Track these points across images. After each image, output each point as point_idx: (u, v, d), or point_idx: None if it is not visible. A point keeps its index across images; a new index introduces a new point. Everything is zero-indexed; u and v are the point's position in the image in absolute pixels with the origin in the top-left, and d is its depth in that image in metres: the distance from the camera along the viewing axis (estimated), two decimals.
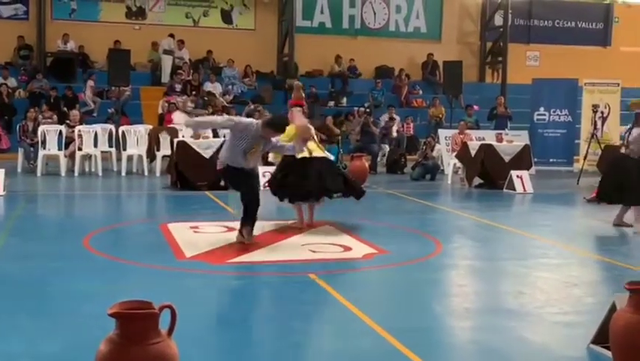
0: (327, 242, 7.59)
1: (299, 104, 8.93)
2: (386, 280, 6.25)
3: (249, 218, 7.32)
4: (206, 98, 18.01)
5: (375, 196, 11.53)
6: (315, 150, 8.32)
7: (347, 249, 7.30)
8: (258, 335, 4.68)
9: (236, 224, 8.49)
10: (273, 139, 7.34)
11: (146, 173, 13.82)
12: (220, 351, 4.27)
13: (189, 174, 11.96)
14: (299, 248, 7.27)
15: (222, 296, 5.62)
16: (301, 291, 5.94)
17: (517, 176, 12.64)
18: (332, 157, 8.71)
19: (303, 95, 9.39)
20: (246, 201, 7.30)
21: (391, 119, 17.23)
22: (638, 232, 8.61)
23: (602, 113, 16.40)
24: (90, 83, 18.36)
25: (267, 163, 14.07)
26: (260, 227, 8.31)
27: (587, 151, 14.89)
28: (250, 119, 7.53)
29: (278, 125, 7.20)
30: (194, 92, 18.28)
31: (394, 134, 16.90)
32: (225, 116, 7.61)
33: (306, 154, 8.13)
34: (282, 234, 8.06)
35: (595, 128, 15.26)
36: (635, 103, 10.21)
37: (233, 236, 7.80)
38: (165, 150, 13.59)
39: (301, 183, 8.18)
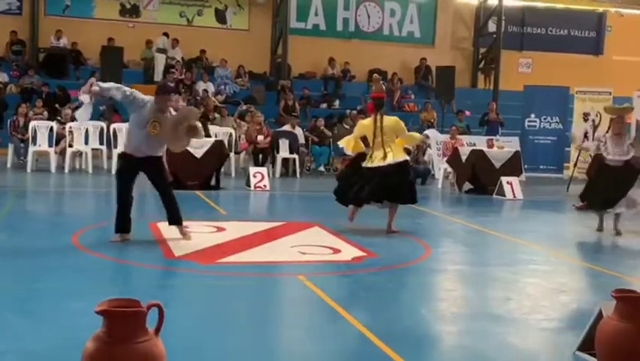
0: (317, 244, 7.60)
1: (381, 97, 8.77)
2: (374, 283, 6.26)
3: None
4: (198, 98, 17.98)
5: None
6: (378, 159, 8.29)
7: (336, 251, 7.31)
8: (245, 335, 4.68)
9: (226, 224, 8.52)
10: (168, 114, 7.10)
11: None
12: (207, 351, 4.27)
13: (180, 173, 11.93)
14: (288, 249, 7.28)
15: (210, 296, 5.62)
16: (290, 292, 5.95)
17: (507, 182, 12.69)
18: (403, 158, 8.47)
19: (384, 87, 9.30)
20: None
21: None
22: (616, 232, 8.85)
23: (594, 121, 16.49)
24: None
25: (256, 164, 14.10)
26: (248, 228, 8.33)
27: (578, 159, 14.96)
28: (149, 96, 7.30)
29: (162, 86, 7.41)
30: (183, 90, 18.21)
31: None
32: (127, 88, 7.40)
33: (368, 163, 8.31)
34: (271, 235, 8.06)
35: (586, 136, 15.31)
36: (609, 108, 10.22)
37: (223, 236, 7.81)
38: None
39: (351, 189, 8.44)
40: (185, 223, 7.57)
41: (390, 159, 8.27)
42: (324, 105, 20.21)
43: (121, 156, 7.57)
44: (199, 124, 7.46)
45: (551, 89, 18.00)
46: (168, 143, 7.36)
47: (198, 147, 12.02)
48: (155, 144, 7.17)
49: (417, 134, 9.32)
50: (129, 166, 7.26)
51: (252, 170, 12.78)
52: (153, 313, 3.14)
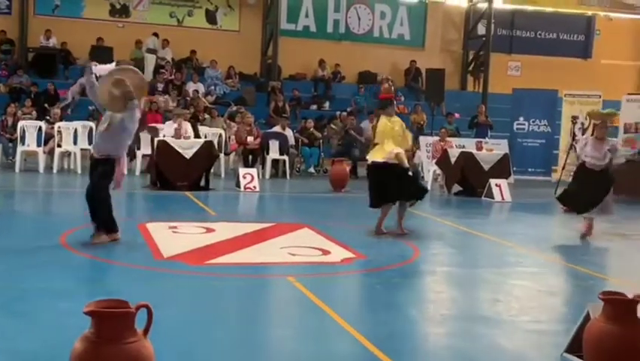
0: (306, 245, 7.60)
1: (383, 98, 8.90)
2: (364, 285, 6.27)
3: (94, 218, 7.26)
4: (189, 98, 17.93)
5: (355, 201, 11.55)
6: (373, 155, 8.42)
7: (325, 252, 7.32)
8: (234, 336, 4.68)
9: (215, 225, 8.51)
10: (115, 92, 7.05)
11: (125, 172, 13.72)
12: (196, 352, 4.27)
13: (169, 174, 11.92)
14: (278, 251, 7.28)
15: (199, 297, 5.61)
16: (279, 293, 5.95)
17: (496, 184, 12.74)
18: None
19: (392, 88, 9.37)
20: None
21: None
22: (585, 234, 8.80)
23: (582, 124, 16.57)
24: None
25: (246, 165, 14.08)
26: (238, 229, 8.33)
27: (566, 162, 15.04)
28: None
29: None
30: (173, 90, 18.12)
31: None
32: None
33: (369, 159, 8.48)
34: (261, 236, 8.05)
35: (574, 139, 15.41)
36: (594, 114, 10.23)
37: (212, 237, 7.80)
38: (145, 149, 13.53)
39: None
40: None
41: (370, 159, 8.47)
42: (314, 107, 20.21)
43: (89, 157, 7.63)
44: (123, 78, 7.18)
45: (540, 92, 18.08)
46: (107, 106, 7.27)
47: (188, 147, 12.02)
48: (108, 142, 7.14)
49: (387, 150, 8.48)
50: (91, 166, 7.36)
51: (242, 171, 12.77)
52: (142, 314, 3.14)
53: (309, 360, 4.28)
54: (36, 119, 14.72)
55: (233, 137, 15.35)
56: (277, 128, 15.69)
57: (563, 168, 14.92)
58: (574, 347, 4.26)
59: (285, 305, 5.59)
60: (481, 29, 22.86)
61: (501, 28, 23.62)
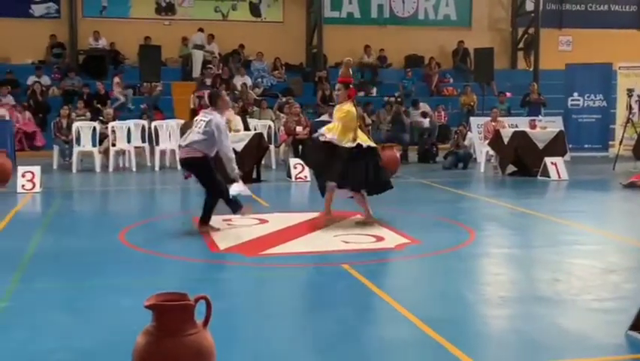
0: (360, 232, 7.59)
1: (347, 82, 8.54)
2: (419, 270, 6.23)
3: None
4: (237, 92, 18.05)
5: (406, 186, 11.49)
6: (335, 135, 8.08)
7: (379, 239, 7.29)
8: (293, 325, 4.70)
9: (268, 216, 8.56)
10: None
11: (178, 167, 13.92)
12: (256, 342, 4.30)
13: (221, 166, 11.99)
14: (331, 239, 7.28)
15: (256, 287, 5.66)
16: (335, 281, 5.95)
17: (552, 163, 12.49)
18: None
19: (351, 71, 9.01)
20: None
21: (424, 114, 17.16)
22: None
23: (638, 96, 16.12)
24: (116, 79, 18.48)
25: (296, 155, 14.09)
26: (291, 219, 8.36)
27: (623, 136, 14.67)
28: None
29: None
30: (220, 85, 18.25)
31: (427, 125, 16.83)
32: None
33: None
34: (314, 225, 8.06)
35: (630, 112, 15.01)
36: None
37: (266, 228, 7.85)
38: None
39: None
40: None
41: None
42: (362, 93, 20.12)
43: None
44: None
45: (593, 66, 17.64)
46: None
47: (238, 141, 12.08)
48: None
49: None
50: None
51: (293, 161, 12.79)
52: (201, 306, 3.18)
53: (370, 347, 4.28)
54: (89, 119, 15.03)
55: (282, 128, 15.40)
56: (325, 117, 15.65)
57: (621, 143, 14.55)
58: (638, 324, 4.16)
59: (342, 293, 5.58)
60: (529, 5, 22.43)
61: (550, 2, 23.12)
